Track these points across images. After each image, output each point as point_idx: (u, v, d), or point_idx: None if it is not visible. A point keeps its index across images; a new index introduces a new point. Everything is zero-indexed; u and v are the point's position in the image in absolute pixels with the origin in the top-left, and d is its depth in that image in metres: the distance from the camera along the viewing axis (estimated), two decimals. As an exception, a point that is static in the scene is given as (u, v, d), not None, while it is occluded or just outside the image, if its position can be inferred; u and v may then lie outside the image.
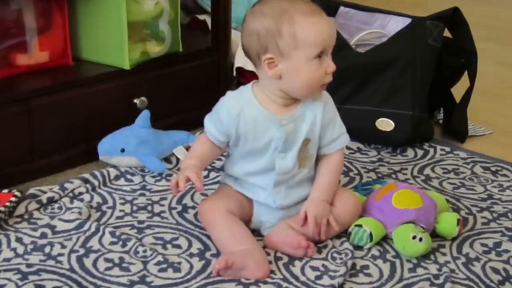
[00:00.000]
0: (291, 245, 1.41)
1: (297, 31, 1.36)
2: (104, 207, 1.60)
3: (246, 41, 1.42)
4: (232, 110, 1.42)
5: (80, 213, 1.55)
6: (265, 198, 1.47)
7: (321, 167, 1.49)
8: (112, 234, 1.47)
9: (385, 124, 1.92)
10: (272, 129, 1.42)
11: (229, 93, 1.46)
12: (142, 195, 1.66)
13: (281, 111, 1.43)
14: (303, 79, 1.38)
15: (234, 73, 2.19)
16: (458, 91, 2.09)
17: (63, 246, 1.44)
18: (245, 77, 2.19)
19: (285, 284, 1.34)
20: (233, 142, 1.46)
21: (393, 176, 1.79)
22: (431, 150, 1.94)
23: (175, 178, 1.41)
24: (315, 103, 1.44)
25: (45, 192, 1.62)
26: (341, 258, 1.42)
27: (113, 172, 1.73)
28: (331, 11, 2.14)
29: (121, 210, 1.59)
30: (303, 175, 1.48)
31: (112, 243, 1.45)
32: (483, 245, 1.50)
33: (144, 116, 1.80)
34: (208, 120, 1.47)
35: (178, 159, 1.82)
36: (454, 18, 2.02)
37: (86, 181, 1.68)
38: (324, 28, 1.38)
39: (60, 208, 1.58)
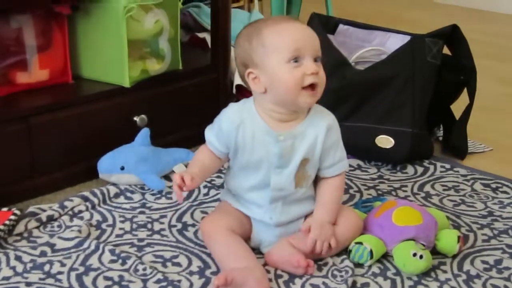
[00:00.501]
0: (291, 263, 1.41)
1: (265, 40, 1.39)
2: (103, 225, 1.60)
3: (236, 66, 1.48)
4: (234, 120, 1.44)
5: (79, 231, 1.54)
6: (261, 216, 1.47)
7: (322, 187, 1.50)
8: (112, 252, 1.47)
9: (385, 141, 1.92)
10: (269, 144, 1.43)
11: (231, 104, 1.48)
12: (142, 213, 1.66)
13: (280, 126, 1.44)
14: (281, 84, 1.39)
15: (234, 91, 2.19)
16: (457, 108, 2.09)
17: (63, 264, 1.44)
18: (245, 94, 2.19)
19: (285, 302, 1.34)
20: (232, 154, 1.47)
21: (393, 193, 1.79)
22: (431, 167, 1.94)
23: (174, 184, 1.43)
24: (318, 123, 1.44)
25: (44, 210, 1.62)
26: (341, 276, 1.42)
27: (112, 190, 1.73)
28: (330, 29, 2.15)
29: (120, 228, 1.59)
30: (300, 194, 1.48)
31: (111, 261, 1.45)
32: (484, 262, 1.49)
33: (144, 134, 1.80)
34: (209, 131, 1.49)
35: (178, 177, 1.82)
36: (453, 35, 2.02)
37: (85, 199, 1.68)
38: (292, 32, 1.39)
39: (59, 226, 1.58)
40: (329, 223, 1.46)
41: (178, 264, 1.46)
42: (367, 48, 2.10)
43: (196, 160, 1.50)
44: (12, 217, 1.53)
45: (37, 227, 1.57)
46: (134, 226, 1.60)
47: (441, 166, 1.95)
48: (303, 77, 1.38)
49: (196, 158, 1.51)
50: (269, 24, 1.41)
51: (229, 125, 1.44)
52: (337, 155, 1.48)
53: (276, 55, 1.38)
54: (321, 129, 1.44)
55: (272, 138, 1.43)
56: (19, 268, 1.42)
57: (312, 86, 1.39)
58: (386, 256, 1.49)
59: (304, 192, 1.48)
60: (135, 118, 1.87)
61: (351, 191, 1.79)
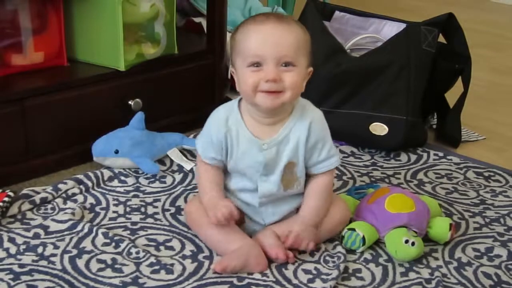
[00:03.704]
0: (270, 254, 1.41)
1: (236, 41, 1.39)
2: (97, 208, 1.60)
3: None
4: (221, 130, 1.42)
5: (73, 214, 1.55)
6: (253, 215, 1.47)
7: (309, 188, 1.46)
8: (105, 235, 1.47)
9: (379, 129, 1.93)
10: (253, 153, 1.41)
11: (217, 111, 1.45)
12: (136, 196, 1.66)
13: (264, 133, 1.42)
14: (241, 86, 1.38)
15: (229, 76, 2.19)
16: (452, 96, 2.09)
17: (56, 247, 1.44)
18: (240, 80, 2.19)
19: (277, 287, 1.34)
20: (225, 158, 1.45)
21: (386, 180, 1.80)
22: (425, 155, 1.95)
23: (215, 215, 1.39)
24: (301, 124, 1.41)
25: (38, 193, 1.62)
26: (333, 262, 1.43)
27: (106, 173, 1.73)
28: (326, 15, 2.15)
29: (114, 211, 1.59)
30: (290, 194, 1.47)
31: (105, 244, 1.46)
32: (475, 250, 1.50)
33: (139, 117, 1.80)
34: (200, 145, 1.46)
35: (172, 161, 1.82)
36: (448, 24, 2.03)
37: (79, 182, 1.68)
38: (257, 36, 1.35)
39: (53, 208, 1.58)
40: (312, 226, 1.43)
41: (171, 248, 1.46)
42: (363, 35, 2.10)
43: (204, 186, 1.46)
44: (6, 199, 1.53)
45: (31, 209, 1.57)
46: (128, 209, 1.61)
47: (435, 154, 1.96)
48: (259, 82, 1.35)
49: (203, 184, 1.46)
50: (245, 25, 1.39)
51: (217, 134, 1.42)
52: (323, 153, 1.43)
53: (240, 58, 1.37)
54: (303, 129, 1.41)
55: (256, 147, 1.41)
56: (12, 250, 1.43)
57: (271, 91, 1.36)
58: (378, 242, 1.50)
59: (294, 192, 1.47)
60: (130, 102, 1.87)
61: (344, 177, 1.80)
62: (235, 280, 1.35)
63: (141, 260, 1.41)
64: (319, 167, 1.45)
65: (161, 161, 1.82)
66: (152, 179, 1.74)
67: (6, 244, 1.44)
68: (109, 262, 1.40)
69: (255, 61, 1.35)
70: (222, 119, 1.43)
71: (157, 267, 1.39)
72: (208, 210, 1.41)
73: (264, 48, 1.34)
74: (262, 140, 1.41)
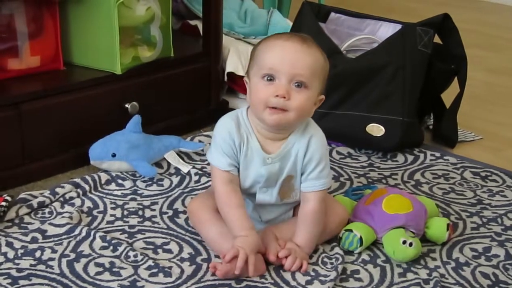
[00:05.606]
0: (268, 255, 1.41)
1: (256, 51, 1.40)
2: (95, 212, 1.60)
3: None
4: (235, 136, 1.41)
5: (71, 217, 1.55)
6: (250, 211, 1.48)
7: (300, 217, 1.45)
8: (103, 238, 1.47)
9: (376, 130, 1.93)
10: (257, 165, 1.42)
11: (224, 123, 1.43)
12: (133, 199, 1.66)
13: (269, 146, 1.42)
14: (253, 97, 1.39)
15: (225, 78, 2.20)
16: (448, 96, 2.10)
17: (54, 251, 1.44)
18: (236, 82, 2.19)
19: (275, 289, 1.35)
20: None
21: (384, 181, 1.80)
22: (421, 156, 1.95)
23: (231, 254, 1.35)
24: (301, 139, 1.42)
25: (36, 197, 1.62)
26: (331, 263, 1.43)
27: (104, 177, 1.73)
28: (322, 17, 2.15)
29: (112, 215, 1.59)
30: (286, 203, 1.48)
31: (102, 247, 1.46)
32: (472, 250, 1.51)
33: (135, 121, 1.80)
34: (215, 157, 1.42)
35: (169, 164, 1.82)
36: (444, 25, 2.03)
37: (77, 185, 1.68)
38: (277, 50, 1.37)
39: (51, 212, 1.58)
40: (306, 253, 1.43)
41: (169, 251, 1.46)
42: (359, 37, 2.10)
43: (231, 214, 1.40)
44: (3, 203, 1.53)
45: (28, 214, 1.57)
46: (125, 212, 1.61)
47: (431, 155, 1.96)
48: (268, 97, 1.36)
49: (227, 213, 1.41)
50: (269, 39, 1.41)
51: (233, 142, 1.41)
52: (315, 172, 1.43)
53: (256, 67, 1.38)
54: (303, 144, 1.42)
55: (260, 160, 1.42)
56: (10, 254, 1.42)
57: (277, 108, 1.36)
58: (376, 243, 1.50)
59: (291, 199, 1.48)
60: (126, 105, 1.87)
61: (341, 179, 1.80)
62: (233, 283, 1.36)
63: (139, 263, 1.41)
64: (307, 185, 1.44)
65: (158, 164, 1.82)
66: (150, 182, 1.74)
67: (4, 248, 1.44)
68: (107, 265, 1.40)
69: (269, 74, 1.36)
70: (233, 127, 1.42)
71: (155, 270, 1.39)
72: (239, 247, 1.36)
73: (280, 63, 1.35)
74: (268, 154, 1.42)
